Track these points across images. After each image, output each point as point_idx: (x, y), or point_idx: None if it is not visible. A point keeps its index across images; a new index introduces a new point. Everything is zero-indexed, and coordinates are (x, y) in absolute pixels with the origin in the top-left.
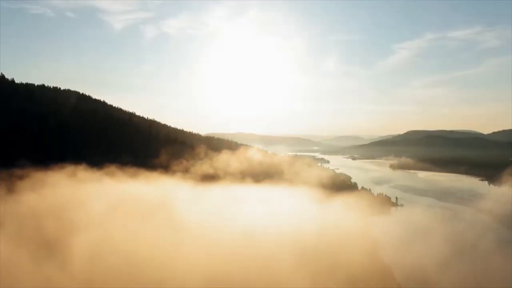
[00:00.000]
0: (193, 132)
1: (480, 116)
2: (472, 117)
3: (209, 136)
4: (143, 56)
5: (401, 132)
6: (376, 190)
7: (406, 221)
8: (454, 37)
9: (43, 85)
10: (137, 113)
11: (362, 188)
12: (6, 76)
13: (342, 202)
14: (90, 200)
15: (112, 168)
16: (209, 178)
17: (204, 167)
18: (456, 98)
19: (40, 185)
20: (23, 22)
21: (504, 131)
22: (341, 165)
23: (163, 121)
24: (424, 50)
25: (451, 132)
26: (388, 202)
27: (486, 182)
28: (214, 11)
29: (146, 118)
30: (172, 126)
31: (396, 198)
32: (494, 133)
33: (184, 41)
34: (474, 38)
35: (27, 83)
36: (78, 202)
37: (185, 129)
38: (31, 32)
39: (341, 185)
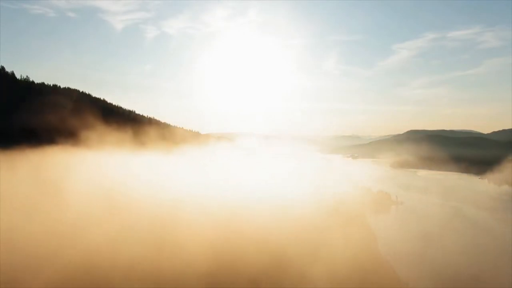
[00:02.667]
0: (193, 130)
1: (480, 116)
2: (472, 117)
3: (209, 134)
4: (143, 56)
5: (401, 132)
6: (377, 187)
7: (405, 216)
8: (454, 37)
9: (42, 83)
10: (137, 112)
11: (363, 185)
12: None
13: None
14: (88, 163)
15: (110, 148)
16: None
17: (205, 153)
18: (456, 98)
19: (38, 156)
20: (24, 23)
21: (503, 130)
22: (341, 163)
23: (163, 120)
24: (424, 50)
25: (451, 131)
26: (388, 199)
27: (485, 181)
28: (214, 11)
29: (146, 116)
30: (172, 124)
31: (396, 195)
32: (494, 132)
33: (185, 41)
34: (474, 38)
35: (27, 76)
36: (76, 165)
37: (184, 128)
38: (32, 32)
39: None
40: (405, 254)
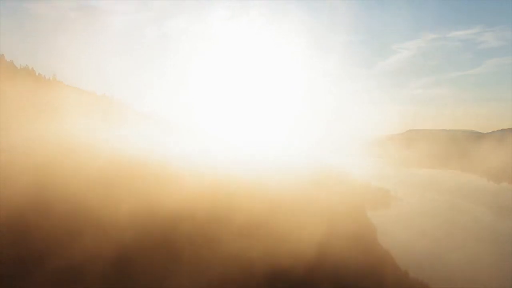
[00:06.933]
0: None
1: (480, 116)
2: (472, 117)
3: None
4: (144, 56)
5: (402, 131)
6: (376, 185)
7: (403, 211)
8: (454, 37)
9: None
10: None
11: (363, 183)
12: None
13: None
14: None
15: None
16: None
17: None
18: (456, 98)
19: None
20: (25, 22)
21: (503, 130)
22: (340, 162)
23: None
24: (424, 50)
25: (451, 131)
26: (388, 196)
27: (485, 179)
28: (215, 11)
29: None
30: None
31: (396, 192)
32: (493, 132)
33: (186, 41)
34: (474, 38)
35: (27, 65)
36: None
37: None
38: (32, 32)
39: None
40: (398, 240)
